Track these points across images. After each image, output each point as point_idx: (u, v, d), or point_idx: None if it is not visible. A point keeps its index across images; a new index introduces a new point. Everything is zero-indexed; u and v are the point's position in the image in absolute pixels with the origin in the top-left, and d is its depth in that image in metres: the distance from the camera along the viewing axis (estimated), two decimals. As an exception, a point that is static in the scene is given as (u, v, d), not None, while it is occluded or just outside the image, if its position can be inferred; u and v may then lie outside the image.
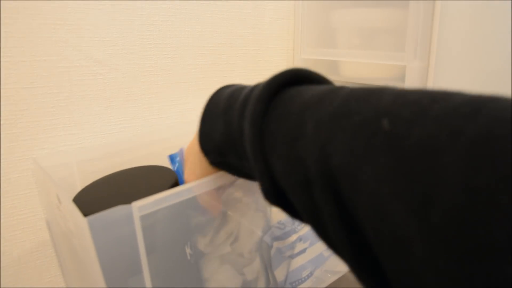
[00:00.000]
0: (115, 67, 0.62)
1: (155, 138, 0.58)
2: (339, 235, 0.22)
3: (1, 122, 0.53)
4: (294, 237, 0.53)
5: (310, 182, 0.23)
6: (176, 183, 0.47)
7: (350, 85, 0.26)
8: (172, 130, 0.67)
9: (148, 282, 0.37)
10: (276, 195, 0.28)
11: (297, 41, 0.85)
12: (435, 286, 0.16)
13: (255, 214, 0.49)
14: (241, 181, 0.45)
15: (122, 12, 0.60)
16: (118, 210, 0.33)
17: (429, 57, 0.59)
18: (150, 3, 0.63)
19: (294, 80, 0.29)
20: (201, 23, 0.70)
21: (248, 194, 0.49)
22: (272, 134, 0.27)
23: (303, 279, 0.56)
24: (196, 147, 0.41)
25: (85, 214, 0.32)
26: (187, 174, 0.43)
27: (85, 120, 0.61)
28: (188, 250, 0.43)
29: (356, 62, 0.71)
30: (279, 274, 0.53)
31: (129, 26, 0.62)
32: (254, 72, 0.82)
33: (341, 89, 0.25)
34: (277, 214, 0.54)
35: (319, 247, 0.57)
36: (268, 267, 0.53)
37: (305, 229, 0.54)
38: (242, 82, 0.79)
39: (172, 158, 0.55)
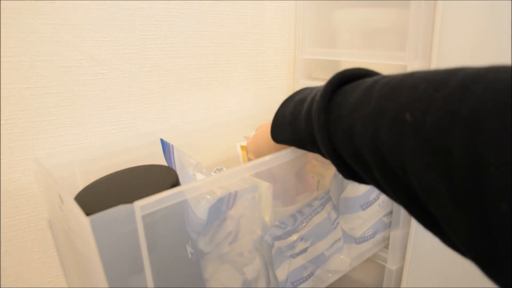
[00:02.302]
0: (116, 67, 0.62)
1: (156, 138, 0.58)
2: (400, 198, 0.31)
3: (2, 122, 0.53)
4: (295, 237, 0.53)
5: (369, 166, 0.32)
6: (176, 182, 0.47)
7: (378, 79, 0.33)
8: (173, 130, 0.67)
9: (149, 281, 0.37)
10: (350, 175, 0.38)
11: (298, 41, 0.85)
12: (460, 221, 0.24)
13: (255, 214, 0.50)
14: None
15: (123, 12, 0.61)
16: (120, 210, 0.33)
17: (430, 57, 0.59)
18: (151, 3, 0.63)
19: (342, 82, 0.37)
20: (202, 23, 0.70)
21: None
22: (336, 134, 0.36)
23: (304, 279, 0.56)
24: (270, 142, 0.51)
25: (87, 213, 0.32)
26: (252, 152, 0.57)
27: (86, 120, 0.61)
28: (189, 249, 0.43)
29: (357, 62, 0.71)
30: (280, 273, 0.53)
31: (130, 26, 0.62)
32: (255, 72, 0.82)
33: (373, 87, 0.32)
34: (278, 214, 0.54)
35: (320, 247, 0.57)
36: (268, 267, 0.53)
37: (306, 229, 0.54)
38: (242, 82, 0.80)
39: (163, 144, 0.58)
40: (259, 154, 0.54)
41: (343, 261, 0.65)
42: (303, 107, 0.42)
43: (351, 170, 0.37)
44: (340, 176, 0.59)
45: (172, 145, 0.55)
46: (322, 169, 0.66)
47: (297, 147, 0.47)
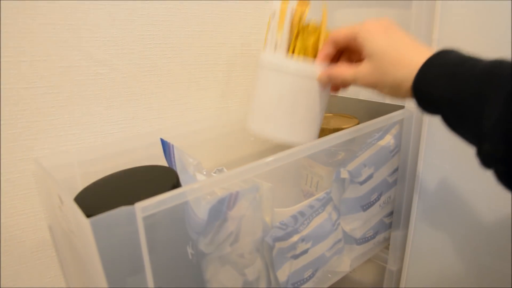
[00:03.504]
0: (115, 67, 0.62)
1: (156, 138, 0.58)
2: None
3: (1, 122, 0.53)
4: (296, 238, 0.53)
5: None
6: (177, 183, 0.47)
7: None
8: (173, 130, 0.66)
9: (150, 282, 0.37)
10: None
11: (297, 41, 0.84)
12: None
13: (255, 215, 0.49)
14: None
15: (122, 12, 0.60)
16: (121, 211, 0.33)
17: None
18: (151, 3, 0.63)
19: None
20: (201, 23, 0.70)
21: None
22: None
23: (305, 280, 0.56)
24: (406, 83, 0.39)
25: (87, 214, 0.32)
26: (372, 76, 0.42)
27: (85, 120, 0.60)
28: (189, 250, 0.43)
29: (357, 62, 0.71)
30: (281, 274, 0.53)
31: (129, 26, 0.62)
32: (254, 72, 0.81)
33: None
34: (279, 215, 0.54)
35: (321, 248, 0.57)
36: (269, 268, 0.53)
37: (307, 230, 0.54)
38: (241, 82, 0.80)
39: (163, 144, 0.57)
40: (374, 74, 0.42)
41: (343, 262, 0.64)
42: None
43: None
44: (340, 176, 0.59)
45: (173, 145, 0.55)
46: (321, 170, 0.66)
47: (438, 107, 0.37)
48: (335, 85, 0.52)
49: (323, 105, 0.54)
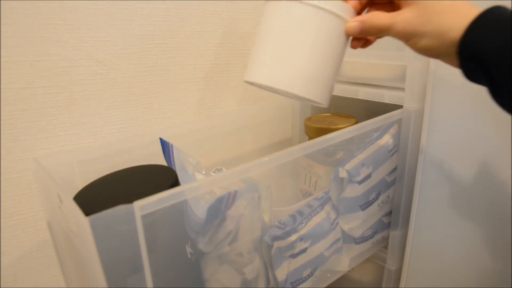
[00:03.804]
0: (115, 67, 0.62)
1: (155, 138, 0.58)
2: None
3: (1, 122, 0.53)
4: (294, 237, 0.53)
5: None
6: (176, 182, 0.47)
7: None
8: (172, 130, 0.67)
9: (149, 281, 0.37)
10: None
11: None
12: None
13: (254, 214, 0.50)
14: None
15: (122, 12, 0.60)
16: (119, 210, 0.33)
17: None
18: (150, 3, 0.63)
19: None
20: (201, 23, 0.70)
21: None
22: None
23: (303, 279, 0.56)
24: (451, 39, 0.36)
25: (86, 213, 0.32)
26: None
27: (85, 120, 0.61)
28: (188, 249, 0.43)
29: (357, 61, 0.71)
30: (280, 273, 0.53)
31: (129, 26, 0.62)
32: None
33: None
34: (277, 214, 0.54)
35: (320, 247, 0.57)
36: (268, 267, 0.53)
37: (306, 229, 0.54)
38: (241, 82, 0.80)
39: (162, 143, 0.57)
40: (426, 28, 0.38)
41: (342, 261, 0.65)
42: None
43: None
44: (338, 175, 0.59)
45: (172, 144, 0.55)
46: (319, 169, 0.66)
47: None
48: (361, 37, 0.45)
49: (342, 58, 0.45)
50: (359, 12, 0.45)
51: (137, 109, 0.66)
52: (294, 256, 0.54)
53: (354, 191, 0.60)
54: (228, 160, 0.76)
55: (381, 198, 0.66)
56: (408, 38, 0.40)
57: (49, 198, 0.47)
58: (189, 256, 0.43)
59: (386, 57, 0.65)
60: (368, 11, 0.45)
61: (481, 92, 0.38)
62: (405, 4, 0.40)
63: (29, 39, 0.53)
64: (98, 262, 0.33)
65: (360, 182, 0.60)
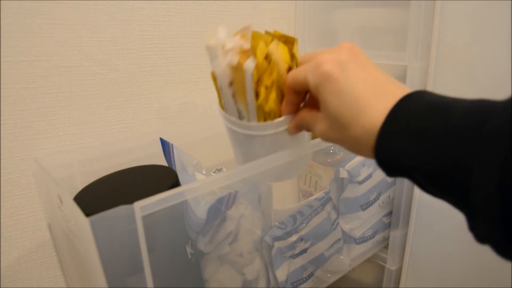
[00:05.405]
0: (115, 67, 0.62)
1: (155, 138, 0.58)
2: None
3: (1, 122, 0.53)
4: (295, 237, 0.53)
5: None
6: (176, 182, 0.47)
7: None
8: (172, 130, 0.66)
9: (149, 281, 0.37)
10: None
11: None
12: None
13: (254, 214, 0.49)
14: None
15: (122, 12, 0.60)
16: (120, 210, 0.33)
17: (429, 57, 0.59)
18: (150, 3, 0.63)
19: None
20: (201, 23, 0.70)
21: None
22: None
23: (304, 279, 0.56)
24: (367, 146, 0.33)
25: (86, 213, 0.32)
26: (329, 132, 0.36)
27: (85, 120, 0.61)
28: (189, 249, 0.43)
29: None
30: (280, 274, 0.53)
31: (129, 26, 0.62)
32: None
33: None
34: (278, 214, 0.54)
35: (320, 247, 0.57)
36: (268, 267, 0.53)
37: (306, 229, 0.54)
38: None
39: (163, 143, 0.57)
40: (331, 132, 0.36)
41: (343, 261, 0.64)
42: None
43: None
44: (339, 176, 0.59)
45: (172, 144, 0.55)
46: (320, 169, 0.66)
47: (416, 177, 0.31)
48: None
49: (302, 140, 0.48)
50: (300, 102, 0.43)
51: (137, 109, 0.66)
52: (294, 256, 0.54)
53: (354, 191, 0.60)
54: (229, 160, 0.76)
55: (382, 198, 0.66)
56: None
57: (49, 198, 0.47)
58: (189, 256, 0.43)
59: (387, 57, 0.65)
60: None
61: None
62: (321, 109, 0.37)
63: (29, 39, 0.53)
64: (98, 263, 0.33)
65: (361, 182, 0.60)
